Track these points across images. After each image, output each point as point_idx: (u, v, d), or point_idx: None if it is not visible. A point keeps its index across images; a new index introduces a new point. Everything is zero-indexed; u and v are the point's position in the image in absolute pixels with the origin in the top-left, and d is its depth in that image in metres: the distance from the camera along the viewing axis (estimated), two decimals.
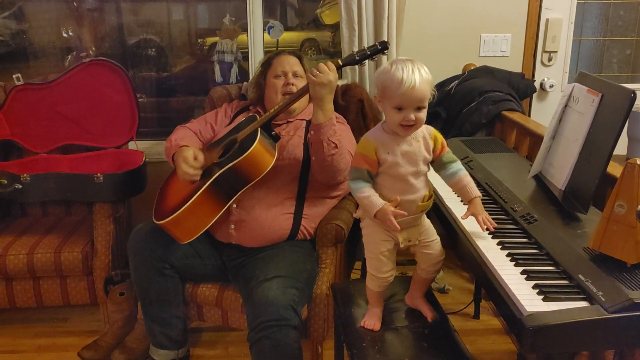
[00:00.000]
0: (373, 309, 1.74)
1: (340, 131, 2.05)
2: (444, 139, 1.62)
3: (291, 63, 2.25)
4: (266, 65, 2.32)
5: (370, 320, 1.72)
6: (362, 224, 1.68)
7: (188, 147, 2.08)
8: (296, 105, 2.21)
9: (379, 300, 1.74)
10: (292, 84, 2.20)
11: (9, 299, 2.43)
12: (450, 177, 1.64)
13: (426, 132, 1.58)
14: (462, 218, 1.65)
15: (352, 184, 1.58)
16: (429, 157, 1.58)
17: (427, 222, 1.68)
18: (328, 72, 1.92)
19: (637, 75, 3.29)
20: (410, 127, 1.50)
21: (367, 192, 1.55)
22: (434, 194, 1.66)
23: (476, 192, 1.62)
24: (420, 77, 1.44)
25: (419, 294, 1.79)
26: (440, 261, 1.71)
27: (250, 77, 2.51)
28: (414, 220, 1.61)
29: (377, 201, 1.54)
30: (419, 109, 1.48)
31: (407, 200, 1.57)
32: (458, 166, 1.63)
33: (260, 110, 2.29)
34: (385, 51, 2.06)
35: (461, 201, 1.81)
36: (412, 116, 1.47)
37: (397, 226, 1.51)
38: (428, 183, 1.61)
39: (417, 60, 1.49)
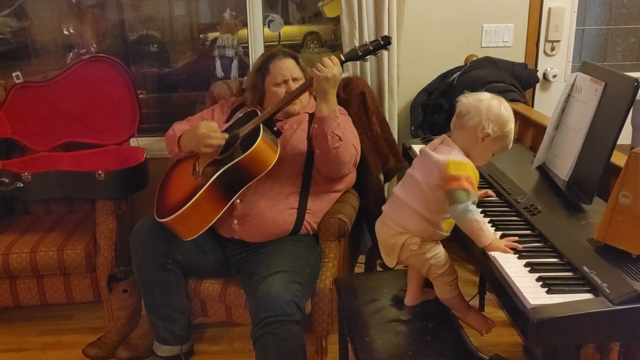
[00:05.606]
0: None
1: (343, 123, 2.04)
2: None
3: (290, 68, 2.19)
4: (263, 70, 2.22)
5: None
6: (427, 246, 1.62)
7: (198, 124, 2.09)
8: (297, 107, 2.20)
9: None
10: None
11: (12, 297, 2.43)
12: None
13: None
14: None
15: (470, 207, 1.47)
16: None
17: None
18: (332, 66, 1.93)
19: None
20: None
21: (482, 219, 1.52)
22: None
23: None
24: None
25: (416, 291, 1.76)
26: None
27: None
28: None
29: (490, 230, 1.53)
30: None
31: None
32: None
33: (259, 107, 2.25)
34: (388, 46, 2.04)
35: None
36: None
37: (518, 246, 1.46)
38: None
39: None
